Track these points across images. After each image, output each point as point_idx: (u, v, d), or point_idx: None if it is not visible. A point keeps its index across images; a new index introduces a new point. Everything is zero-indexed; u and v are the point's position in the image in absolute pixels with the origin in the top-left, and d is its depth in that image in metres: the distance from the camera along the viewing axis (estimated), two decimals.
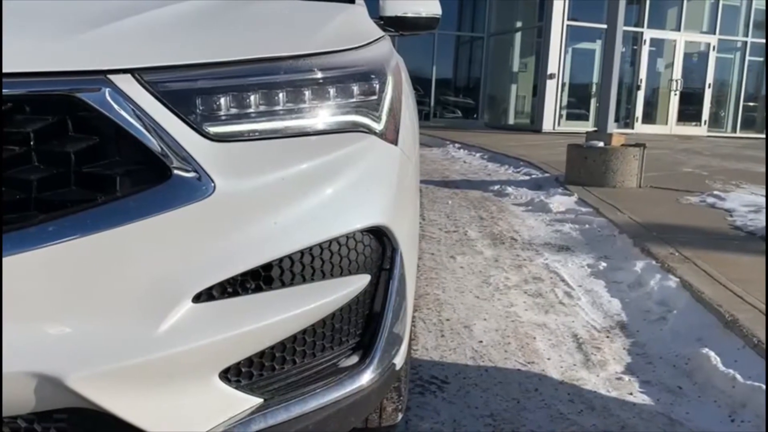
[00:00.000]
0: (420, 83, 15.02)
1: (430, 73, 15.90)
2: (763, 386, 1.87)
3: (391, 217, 1.18)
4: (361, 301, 1.17)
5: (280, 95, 1.08)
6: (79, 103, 0.92)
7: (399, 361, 1.25)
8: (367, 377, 1.15)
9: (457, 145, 10.07)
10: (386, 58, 1.31)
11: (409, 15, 2.40)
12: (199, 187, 0.96)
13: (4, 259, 0.86)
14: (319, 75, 1.13)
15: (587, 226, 4.22)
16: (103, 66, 0.94)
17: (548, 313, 2.68)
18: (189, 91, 0.99)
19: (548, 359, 2.21)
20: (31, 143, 0.91)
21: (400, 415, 1.61)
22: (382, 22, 2.35)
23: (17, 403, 0.89)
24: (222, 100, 1.02)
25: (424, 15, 2.35)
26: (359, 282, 1.15)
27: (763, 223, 4.06)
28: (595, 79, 14.06)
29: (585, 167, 5.89)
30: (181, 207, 0.94)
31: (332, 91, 1.14)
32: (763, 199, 4.96)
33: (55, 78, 0.92)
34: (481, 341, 2.34)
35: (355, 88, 1.17)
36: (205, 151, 0.98)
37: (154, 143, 0.95)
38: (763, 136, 13.24)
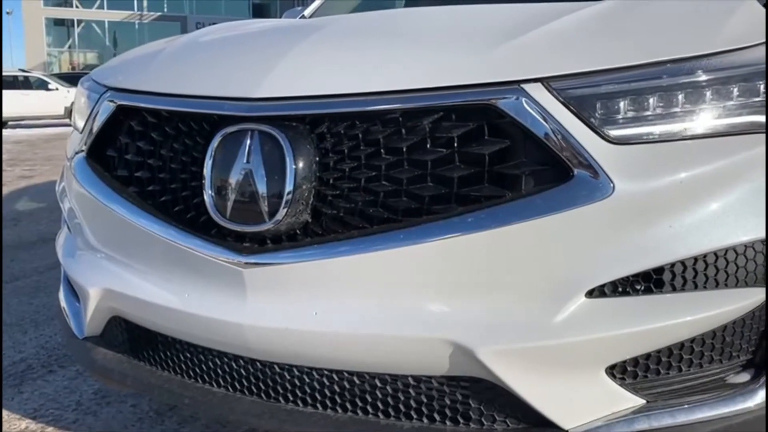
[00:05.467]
0: None
1: None
2: None
3: None
4: (756, 317, 1.10)
5: (679, 97, 1.06)
6: (495, 111, 1.04)
7: None
8: (760, 398, 1.08)
9: None
10: None
11: None
12: (599, 187, 1.00)
13: (434, 242, 1.02)
14: (722, 75, 1.08)
15: None
16: (517, 76, 1.05)
17: None
18: (592, 95, 1.04)
19: None
20: (455, 146, 1.06)
21: None
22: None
23: (434, 365, 1.05)
24: (622, 104, 1.05)
25: None
26: (756, 296, 1.07)
27: None
28: None
29: None
30: (582, 206, 1.00)
31: (735, 90, 1.08)
32: None
33: (478, 89, 1.06)
34: None
35: (762, 86, 1.09)
36: (606, 154, 1.02)
37: (558, 146, 1.02)
38: None
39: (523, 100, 1.03)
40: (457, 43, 1.17)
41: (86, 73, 1.75)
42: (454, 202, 1.05)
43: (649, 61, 1.07)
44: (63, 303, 1.59)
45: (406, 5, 3.05)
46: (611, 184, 1.01)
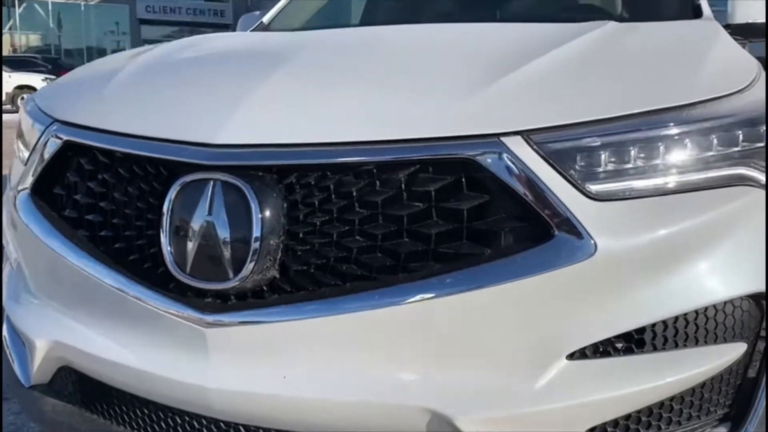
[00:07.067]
0: None
1: None
2: None
3: None
4: (734, 371, 1.08)
5: (661, 150, 1.03)
6: (474, 164, 0.99)
7: None
8: None
9: None
10: None
11: (760, 21, 2.16)
12: (581, 247, 0.97)
13: (410, 304, 0.97)
14: (705, 125, 1.06)
15: None
16: (497, 129, 1.00)
17: None
18: (573, 149, 1.01)
19: None
20: (432, 200, 1.01)
21: None
22: (729, 30, 2.14)
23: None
24: (603, 158, 1.02)
25: None
26: (735, 351, 1.06)
27: None
28: None
29: None
30: (564, 267, 0.96)
31: (716, 141, 1.06)
32: None
33: (456, 141, 1.00)
34: None
35: (741, 136, 1.08)
36: (587, 211, 0.98)
37: (539, 202, 0.98)
38: None
39: (504, 154, 0.98)
40: (433, 89, 1.12)
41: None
42: (432, 259, 1.00)
43: (628, 112, 1.04)
44: (6, 341, 1.48)
45: (366, 7, 2.96)
46: (593, 243, 0.97)
